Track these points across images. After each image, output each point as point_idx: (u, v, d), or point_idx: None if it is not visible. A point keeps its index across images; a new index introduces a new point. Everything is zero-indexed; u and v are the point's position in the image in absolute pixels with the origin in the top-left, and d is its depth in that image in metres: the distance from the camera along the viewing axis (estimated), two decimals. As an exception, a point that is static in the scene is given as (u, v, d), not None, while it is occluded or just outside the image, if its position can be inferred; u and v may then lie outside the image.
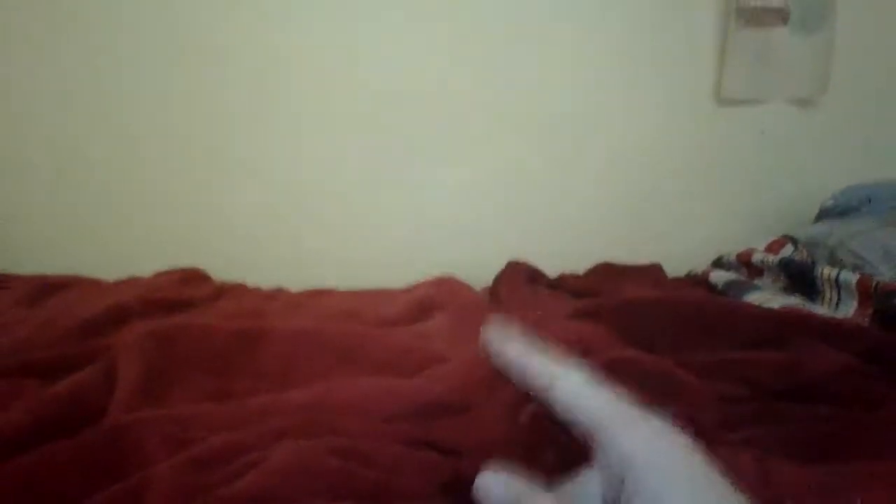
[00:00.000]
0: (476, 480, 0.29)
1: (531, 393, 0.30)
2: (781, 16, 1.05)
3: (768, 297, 0.75)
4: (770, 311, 0.66)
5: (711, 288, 0.88)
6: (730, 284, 0.85)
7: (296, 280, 0.98)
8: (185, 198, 1.12)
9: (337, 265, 1.07)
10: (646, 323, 0.64)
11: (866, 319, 0.66)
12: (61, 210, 1.13)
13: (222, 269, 0.99)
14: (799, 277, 0.78)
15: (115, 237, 1.12)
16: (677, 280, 0.98)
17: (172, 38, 1.07)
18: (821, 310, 0.70)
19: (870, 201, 0.93)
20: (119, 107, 1.09)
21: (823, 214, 0.98)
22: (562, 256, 1.02)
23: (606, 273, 0.97)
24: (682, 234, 1.13)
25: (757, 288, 0.81)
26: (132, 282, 0.92)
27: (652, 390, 0.28)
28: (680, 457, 0.25)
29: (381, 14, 1.07)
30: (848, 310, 0.69)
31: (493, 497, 0.28)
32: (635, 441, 0.25)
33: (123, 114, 1.09)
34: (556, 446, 0.35)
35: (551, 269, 0.98)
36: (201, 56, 1.07)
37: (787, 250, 0.89)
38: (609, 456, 0.26)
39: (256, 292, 0.93)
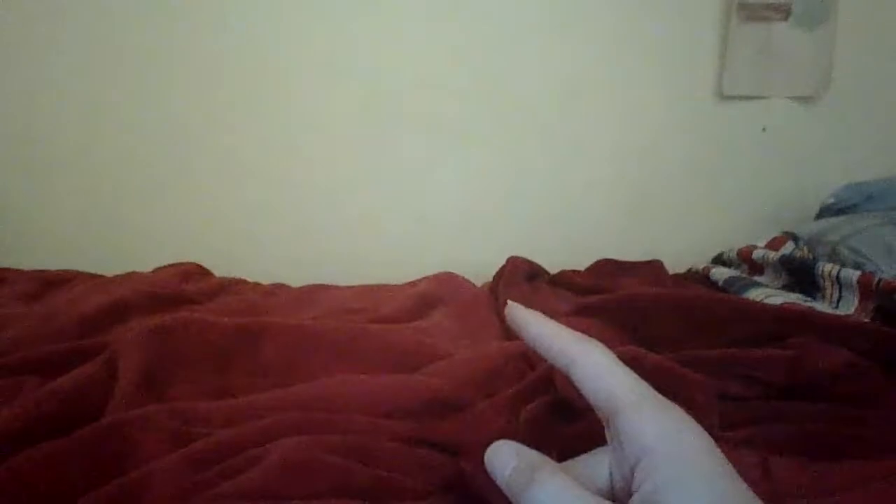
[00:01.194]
0: (488, 450, 0.29)
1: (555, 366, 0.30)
2: (783, 11, 1.05)
3: (769, 293, 0.75)
4: (772, 307, 0.66)
5: (712, 284, 0.88)
6: (731, 281, 0.85)
7: (296, 278, 0.98)
8: (185, 196, 1.12)
9: (337, 263, 1.07)
10: (647, 319, 0.63)
11: (867, 316, 0.66)
12: (61, 206, 1.13)
13: (222, 267, 0.99)
14: (800, 274, 0.78)
15: (115, 234, 1.12)
16: (678, 276, 0.98)
17: (172, 38, 1.07)
18: (821, 307, 0.70)
19: (871, 198, 0.93)
20: (119, 105, 1.09)
21: (825, 211, 0.98)
22: (562, 253, 1.02)
23: (607, 269, 0.97)
24: (682, 231, 1.14)
25: (758, 284, 0.81)
26: (132, 277, 0.92)
27: (653, 387, 0.28)
28: (699, 448, 0.25)
29: (381, 14, 1.07)
30: (849, 307, 0.69)
31: (504, 466, 0.27)
32: (654, 426, 0.25)
33: (123, 112, 1.09)
34: (556, 444, 0.35)
35: (552, 265, 0.98)
36: (201, 55, 1.07)
37: (788, 247, 0.89)
38: (624, 438, 0.26)
39: (257, 288, 0.93)
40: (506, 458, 0.28)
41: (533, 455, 0.28)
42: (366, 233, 1.14)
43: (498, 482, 0.28)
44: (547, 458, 0.27)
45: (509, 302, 0.32)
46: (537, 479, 0.26)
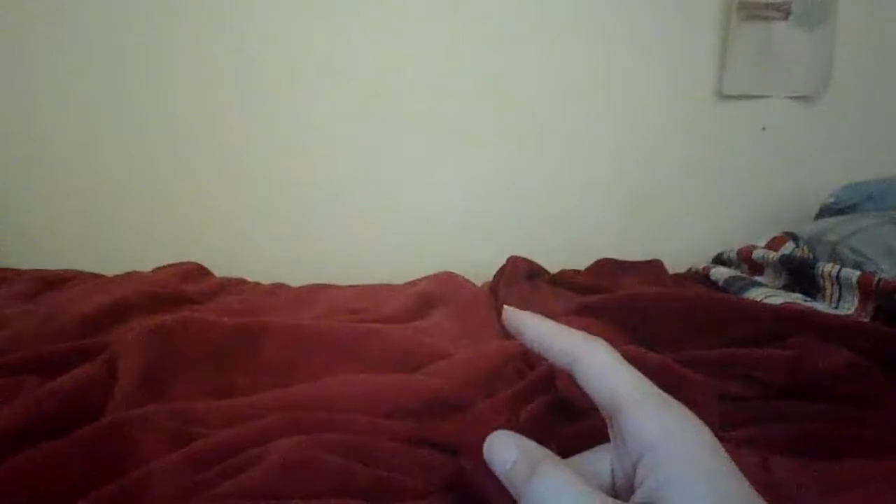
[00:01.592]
0: (486, 441, 0.29)
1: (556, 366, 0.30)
2: (783, 11, 1.05)
3: (769, 293, 0.75)
4: (772, 307, 0.66)
5: (712, 284, 0.88)
6: (731, 281, 0.85)
7: (296, 278, 0.98)
8: (185, 196, 1.12)
9: (337, 263, 1.07)
10: (647, 319, 0.63)
11: (867, 316, 0.66)
12: (61, 206, 1.13)
13: (222, 267, 0.99)
14: (800, 274, 0.78)
15: (115, 234, 1.13)
16: (678, 276, 0.98)
17: (172, 38, 1.07)
18: (822, 307, 0.70)
19: (871, 198, 0.93)
20: (119, 105, 1.09)
21: (824, 211, 0.98)
22: (562, 253, 1.02)
23: (607, 269, 0.97)
24: (682, 231, 1.14)
25: (758, 284, 0.81)
26: (132, 277, 0.92)
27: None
28: (701, 445, 0.24)
29: (381, 14, 1.07)
30: (849, 307, 0.69)
31: (504, 459, 0.27)
32: (657, 424, 0.25)
33: (123, 112, 1.09)
34: (556, 443, 0.35)
35: (552, 265, 0.98)
36: (201, 55, 1.07)
37: (788, 247, 0.89)
38: (627, 435, 0.26)
39: (257, 287, 0.93)
40: (506, 451, 0.27)
41: (534, 447, 0.27)
42: (366, 233, 1.14)
43: (498, 475, 0.28)
44: (548, 451, 0.27)
45: (505, 306, 0.32)
46: (539, 472, 0.25)
